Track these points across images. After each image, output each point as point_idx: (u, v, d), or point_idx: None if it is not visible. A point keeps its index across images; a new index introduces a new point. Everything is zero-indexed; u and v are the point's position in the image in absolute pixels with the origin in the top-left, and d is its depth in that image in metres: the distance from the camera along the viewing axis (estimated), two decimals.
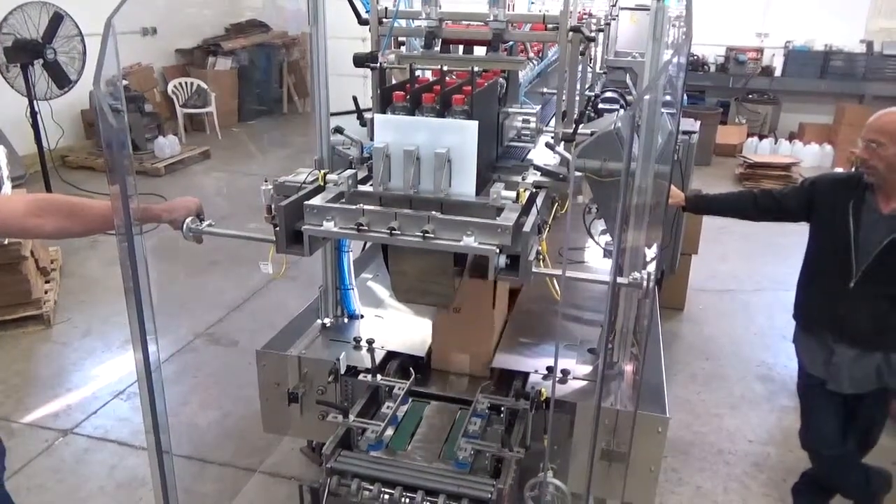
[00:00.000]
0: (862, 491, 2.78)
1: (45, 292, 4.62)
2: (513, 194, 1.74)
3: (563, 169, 2.05)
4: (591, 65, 3.60)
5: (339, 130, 2.36)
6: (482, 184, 1.83)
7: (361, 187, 1.86)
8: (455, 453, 2.10)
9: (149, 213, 2.01)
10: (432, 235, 1.66)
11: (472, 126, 1.69)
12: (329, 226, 1.75)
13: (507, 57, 2.28)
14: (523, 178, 2.01)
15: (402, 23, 2.34)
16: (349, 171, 1.90)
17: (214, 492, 3.12)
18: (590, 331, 2.72)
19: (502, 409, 2.29)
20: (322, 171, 2.01)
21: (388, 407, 2.31)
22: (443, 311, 2.40)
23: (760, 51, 9.44)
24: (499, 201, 1.71)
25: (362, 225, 1.71)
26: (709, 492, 3.18)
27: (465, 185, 1.75)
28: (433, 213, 1.68)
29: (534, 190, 1.93)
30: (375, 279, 3.19)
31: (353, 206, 1.74)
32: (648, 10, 2.23)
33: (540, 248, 1.81)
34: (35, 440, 3.40)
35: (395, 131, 1.74)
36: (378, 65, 2.13)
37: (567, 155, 2.07)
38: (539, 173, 2.06)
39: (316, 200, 1.79)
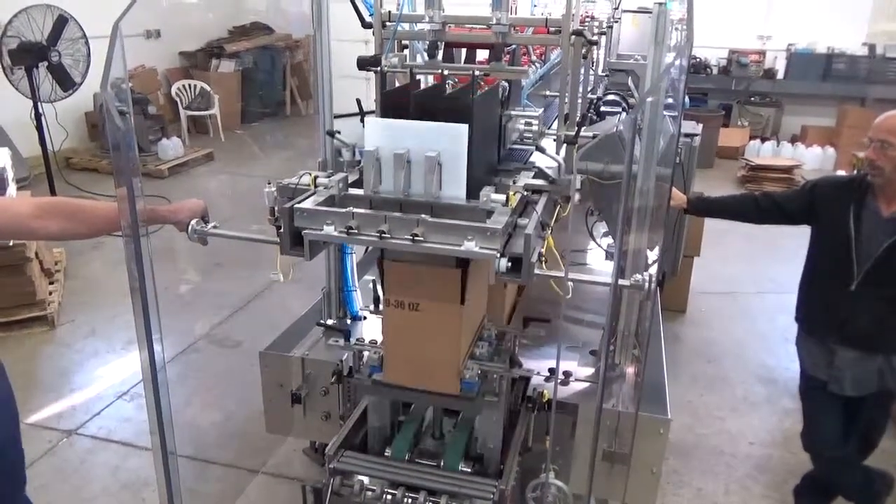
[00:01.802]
0: (863, 493, 2.78)
1: (50, 293, 4.64)
2: (502, 197, 1.74)
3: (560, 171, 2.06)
4: (594, 68, 3.61)
5: (330, 134, 2.35)
6: (480, 187, 1.83)
7: (353, 190, 1.86)
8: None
9: (154, 214, 2.02)
10: (422, 238, 1.66)
11: (463, 129, 1.69)
12: (329, 229, 1.75)
13: (509, 67, 2.29)
14: (514, 182, 2.01)
15: (406, 26, 2.36)
16: (340, 175, 1.90)
17: (218, 492, 3.13)
18: (592, 333, 2.73)
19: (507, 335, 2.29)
20: (313, 174, 2.01)
21: None
22: (395, 307, 1.98)
23: (763, 53, 9.45)
24: (488, 204, 1.71)
25: (352, 228, 1.71)
26: (710, 493, 3.19)
27: (455, 188, 1.75)
28: (423, 216, 1.68)
29: (524, 193, 1.93)
30: (378, 281, 3.20)
31: (343, 210, 1.74)
32: (650, 13, 2.23)
33: (542, 250, 1.81)
34: (39, 441, 3.41)
35: (385, 135, 1.74)
36: (381, 68, 2.14)
37: (559, 159, 2.08)
38: (531, 175, 2.07)
39: (307, 203, 1.79)
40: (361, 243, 1.77)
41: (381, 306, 2.37)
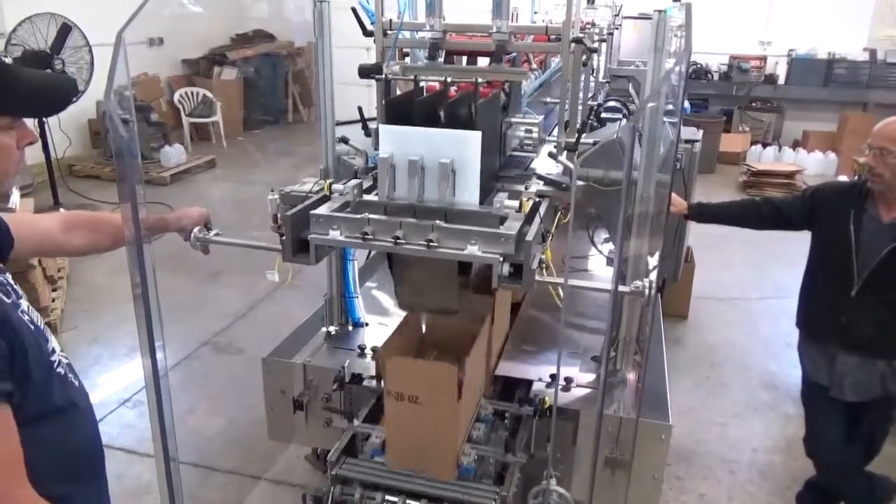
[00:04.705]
0: (866, 499, 2.77)
1: (53, 300, 4.65)
2: (516, 203, 1.76)
3: (566, 178, 2.07)
4: (595, 74, 3.62)
5: (344, 140, 2.38)
6: (486, 193, 1.85)
7: (367, 197, 1.88)
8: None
9: (158, 222, 2.03)
10: (436, 244, 1.68)
11: (476, 136, 1.71)
12: (335, 234, 1.77)
13: (510, 69, 2.30)
14: (526, 188, 2.03)
15: (407, 34, 2.37)
16: (354, 181, 1.92)
17: (220, 499, 3.13)
18: (594, 339, 2.72)
19: (507, 414, 2.31)
20: (328, 181, 2.04)
21: None
22: (395, 399, 2.03)
23: (764, 59, 9.44)
24: (502, 210, 1.73)
25: (367, 234, 1.73)
26: (713, 500, 3.18)
27: (468, 194, 1.76)
28: (437, 222, 1.69)
29: (537, 199, 1.95)
30: (380, 288, 3.21)
31: (359, 216, 1.75)
32: (651, 19, 2.24)
33: (544, 256, 1.82)
34: None
35: (399, 141, 1.76)
36: (383, 76, 2.15)
37: (570, 164, 2.09)
38: (542, 182, 2.08)
39: (322, 209, 1.81)
40: (377, 248, 1.79)
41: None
